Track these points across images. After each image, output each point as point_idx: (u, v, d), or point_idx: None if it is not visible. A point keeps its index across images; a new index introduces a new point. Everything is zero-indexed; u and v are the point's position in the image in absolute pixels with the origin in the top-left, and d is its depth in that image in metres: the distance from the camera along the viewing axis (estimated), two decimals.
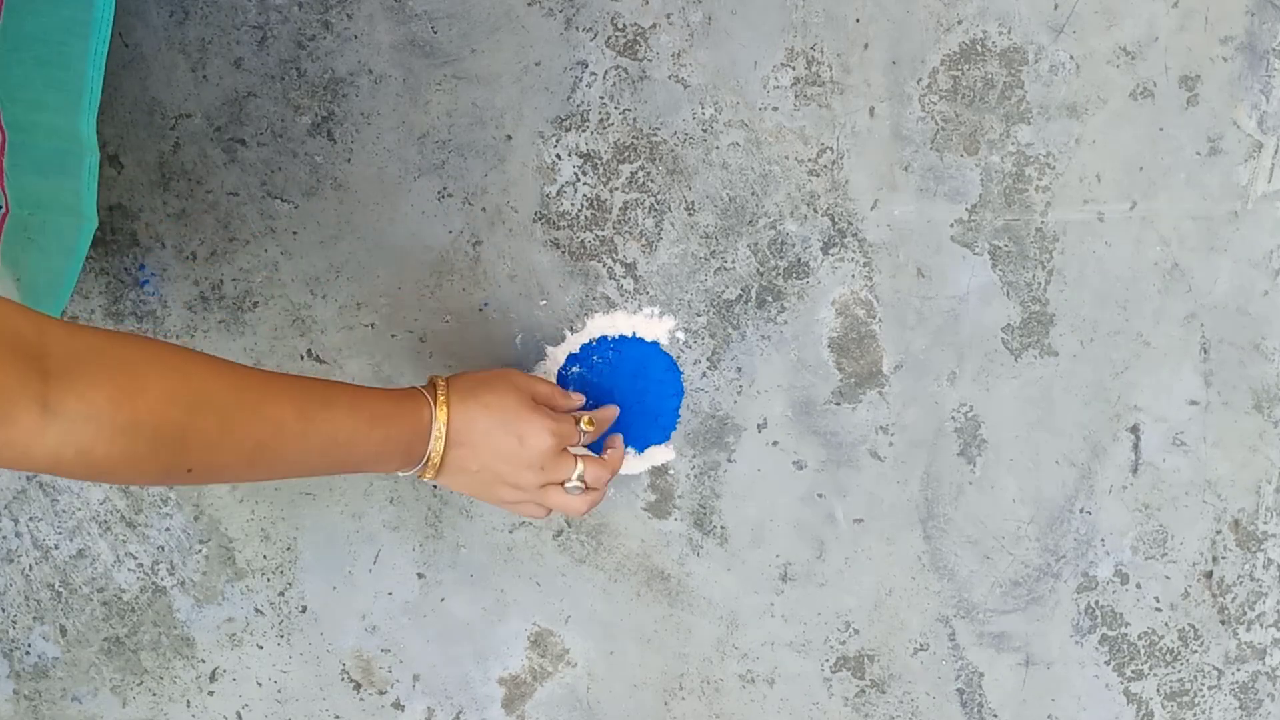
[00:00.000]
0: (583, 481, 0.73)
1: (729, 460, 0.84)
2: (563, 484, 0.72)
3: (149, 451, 0.52)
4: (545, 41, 0.79)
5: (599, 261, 0.82)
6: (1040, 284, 0.80)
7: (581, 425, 0.74)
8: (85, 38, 0.67)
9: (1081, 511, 0.83)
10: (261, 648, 0.90)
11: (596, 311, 0.83)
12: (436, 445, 0.67)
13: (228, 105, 0.82)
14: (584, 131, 0.81)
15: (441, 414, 0.67)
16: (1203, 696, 0.85)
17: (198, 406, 0.54)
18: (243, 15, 0.80)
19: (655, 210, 0.81)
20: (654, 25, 0.79)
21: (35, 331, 0.49)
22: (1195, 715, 0.85)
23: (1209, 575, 0.84)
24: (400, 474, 0.69)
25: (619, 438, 0.80)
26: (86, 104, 0.68)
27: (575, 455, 0.72)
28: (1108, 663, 0.85)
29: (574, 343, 0.83)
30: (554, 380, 0.84)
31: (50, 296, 0.73)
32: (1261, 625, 0.84)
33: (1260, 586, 0.84)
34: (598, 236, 0.82)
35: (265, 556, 0.88)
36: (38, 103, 0.68)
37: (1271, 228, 0.79)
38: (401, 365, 0.84)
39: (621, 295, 0.82)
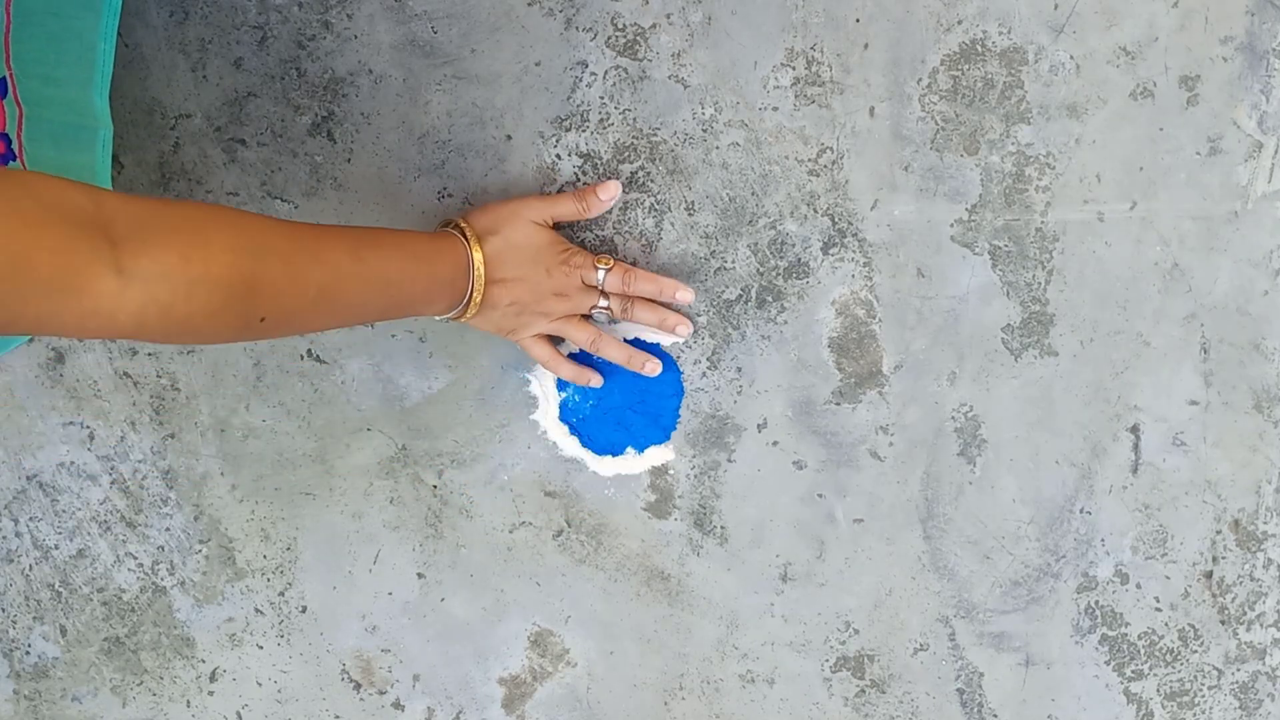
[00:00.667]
0: (609, 309, 0.78)
1: (729, 460, 0.84)
2: (588, 315, 0.78)
3: (224, 301, 0.53)
4: (545, 41, 0.79)
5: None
6: (1040, 284, 0.80)
7: (598, 264, 0.78)
8: (96, 12, 0.69)
9: (1081, 511, 0.83)
10: (261, 648, 0.90)
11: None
12: (477, 282, 0.71)
13: (228, 105, 0.82)
14: (584, 131, 0.81)
15: (477, 252, 0.72)
16: (1203, 696, 0.85)
17: (261, 254, 0.56)
18: (243, 15, 0.80)
19: (655, 210, 0.81)
20: (654, 25, 0.79)
21: (93, 203, 0.50)
22: (1195, 715, 0.85)
23: (1209, 575, 0.84)
24: (440, 317, 0.73)
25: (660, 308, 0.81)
26: (99, 77, 0.70)
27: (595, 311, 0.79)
28: (1108, 663, 0.85)
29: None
30: (554, 379, 0.84)
31: None
32: (1261, 625, 0.84)
33: (1260, 586, 0.84)
34: (598, 236, 0.82)
35: (265, 556, 0.88)
36: (51, 77, 0.69)
37: (1271, 228, 0.79)
38: (402, 365, 0.85)
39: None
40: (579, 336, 0.78)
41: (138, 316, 0.50)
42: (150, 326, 0.51)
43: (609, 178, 0.80)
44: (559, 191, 0.80)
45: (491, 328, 0.75)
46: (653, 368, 0.80)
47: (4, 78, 0.66)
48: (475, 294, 0.72)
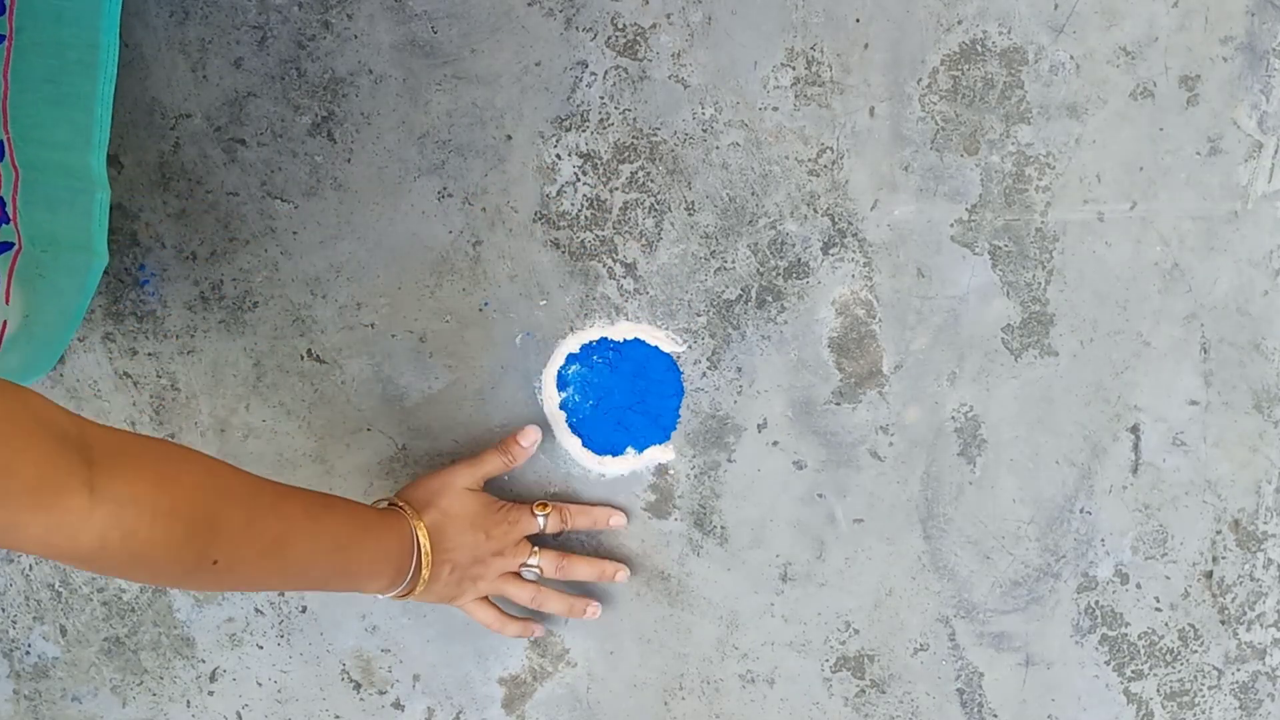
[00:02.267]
0: (539, 568, 0.81)
1: (729, 460, 0.84)
2: (519, 571, 0.81)
3: (184, 536, 0.55)
4: (545, 41, 0.79)
5: (599, 261, 0.82)
6: (1040, 284, 0.80)
7: (536, 511, 0.81)
8: (93, 79, 0.70)
9: (1081, 511, 0.83)
10: (261, 648, 0.90)
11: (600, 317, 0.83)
12: (425, 559, 0.73)
13: (228, 105, 0.82)
14: (584, 131, 0.81)
15: (420, 529, 0.73)
16: (1203, 696, 0.85)
17: (225, 497, 0.59)
18: (243, 15, 0.80)
19: (655, 210, 0.81)
20: (654, 25, 0.79)
21: (75, 426, 0.52)
22: (1195, 715, 0.85)
23: (1209, 575, 0.84)
24: (381, 595, 0.73)
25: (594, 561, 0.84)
26: (96, 142, 0.71)
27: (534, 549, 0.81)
28: (1108, 663, 0.85)
29: (574, 342, 0.83)
30: (554, 379, 0.84)
31: (58, 331, 0.74)
32: (1261, 625, 0.84)
33: (1260, 586, 0.84)
34: (598, 236, 0.82)
35: None
36: (49, 141, 0.70)
37: (1271, 228, 0.79)
38: (401, 365, 0.85)
39: (621, 295, 0.82)
40: (520, 595, 0.80)
41: (100, 539, 0.51)
42: (110, 551, 0.52)
43: (528, 424, 0.82)
44: (482, 452, 0.81)
45: (434, 598, 0.77)
46: (593, 611, 0.83)
47: (1, 141, 0.67)
48: (424, 570, 0.73)
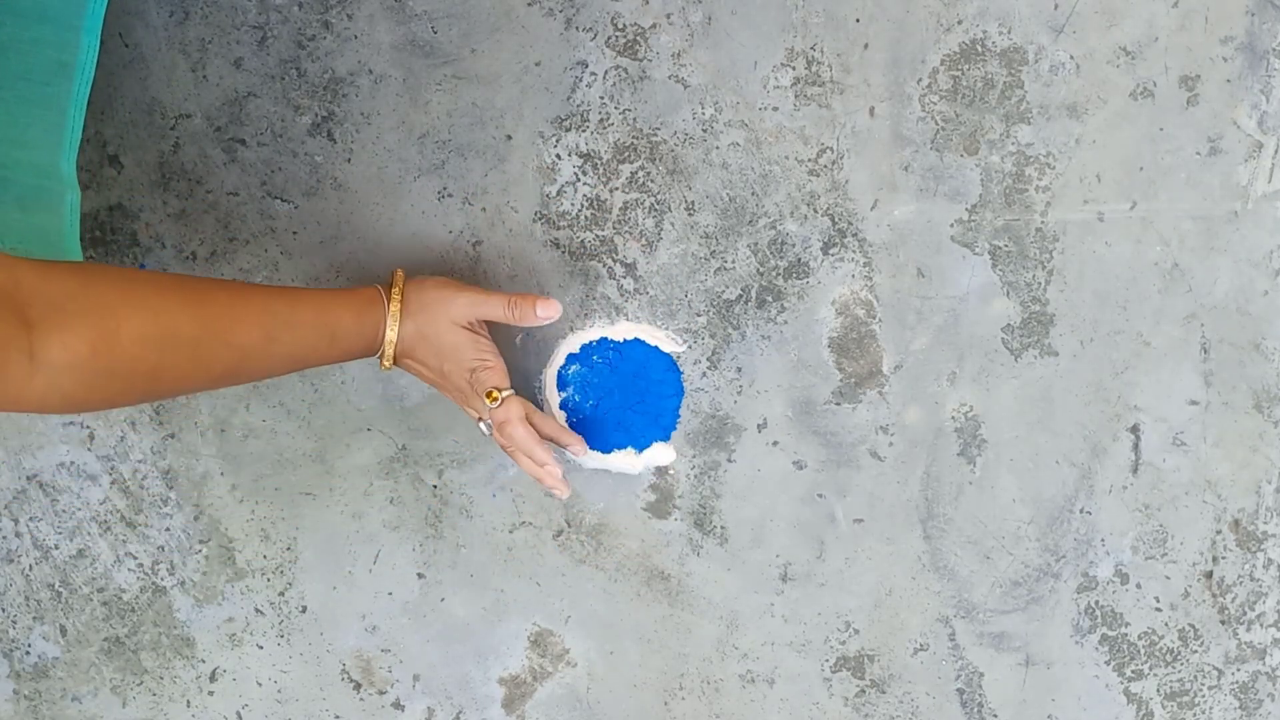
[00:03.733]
0: (488, 428, 0.77)
1: (729, 460, 0.84)
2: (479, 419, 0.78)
3: (124, 388, 0.56)
4: (545, 41, 0.79)
5: (599, 261, 0.82)
6: (1040, 284, 0.80)
7: (488, 400, 0.76)
8: (69, 80, 0.70)
9: (1081, 511, 0.83)
10: (261, 648, 0.90)
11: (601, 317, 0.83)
12: (388, 350, 0.73)
13: (228, 105, 0.82)
14: (584, 131, 0.81)
15: (391, 331, 0.73)
16: (1203, 696, 0.85)
17: (169, 344, 0.58)
18: (243, 15, 0.80)
19: (655, 210, 0.81)
20: (654, 25, 0.79)
21: (11, 281, 0.52)
22: (1195, 715, 0.85)
23: (1209, 575, 0.84)
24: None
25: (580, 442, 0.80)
26: (68, 143, 0.71)
27: (504, 398, 0.76)
28: (1108, 663, 0.85)
29: (574, 342, 0.83)
30: (554, 379, 0.84)
31: None
32: (1261, 625, 0.84)
33: (1260, 586, 0.84)
34: (598, 236, 0.82)
35: (265, 556, 0.88)
36: (20, 140, 0.70)
37: (1271, 228, 0.79)
38: None
39: (621, 295, 0.82)
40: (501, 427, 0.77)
41: (40, 401, 0.53)
42: (50, 408, 0.54)
43: (549, 296, 0.79)
44: (496, 291, 0.77)
45: (428, 383, 0.77)
46: (558, 483, 0.77)
47: None
48: (385, 359, 0.73)
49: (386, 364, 0.74)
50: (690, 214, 0.81)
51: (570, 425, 0.84)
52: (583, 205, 0.82)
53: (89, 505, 0.88)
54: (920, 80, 0.78)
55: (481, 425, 0.78)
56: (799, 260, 0.81)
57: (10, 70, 0.68)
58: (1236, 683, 0.85)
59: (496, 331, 0.84)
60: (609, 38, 0.79)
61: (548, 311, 0.76)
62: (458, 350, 0.75)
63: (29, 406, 0.53)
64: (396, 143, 0.81)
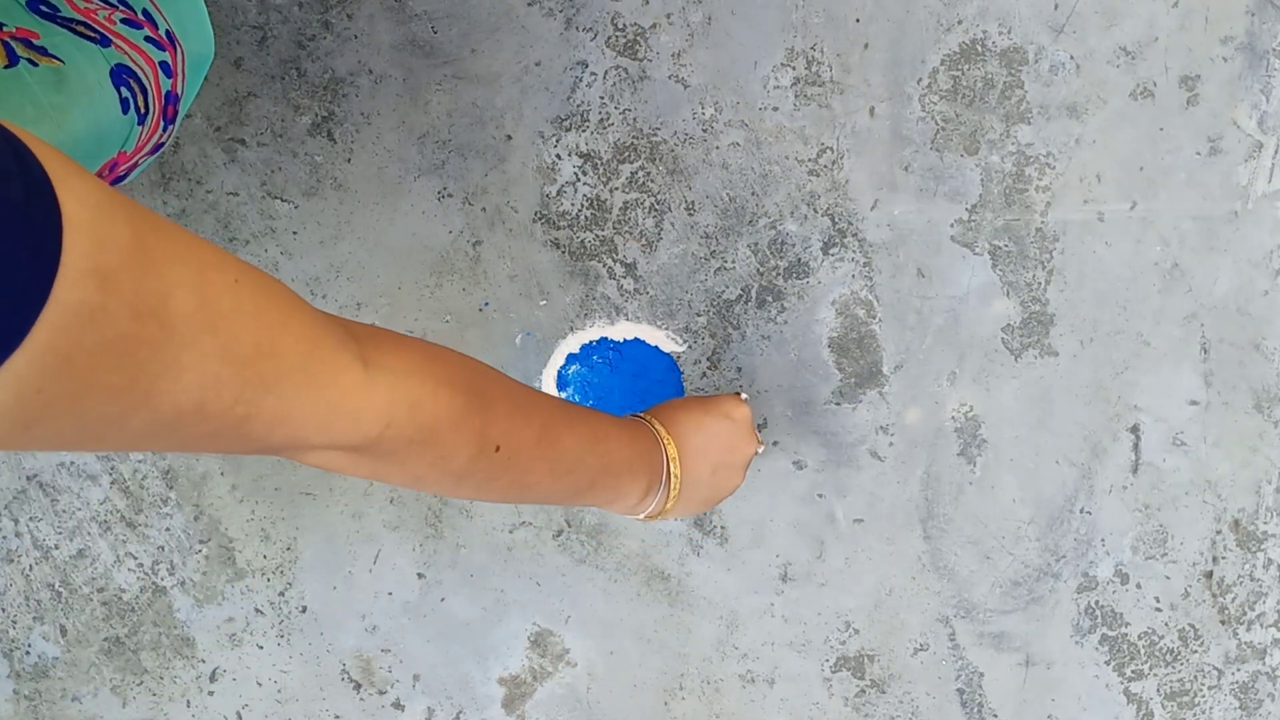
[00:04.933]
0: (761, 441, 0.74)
1: None
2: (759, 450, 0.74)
3: (464, 408, 0.51)
4: (545, 41, 0.79)
5: (599, 261, 0.82)
6: (1040, 284, 0.80)
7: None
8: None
9: (1081, 511, 0.83)
10: (261, 648, 0.90)
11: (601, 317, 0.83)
12: (670, 451, 0.67)
13: (228, 105, 0.82)
14: (584, 131, 0.81)
15: (659, 425, 0.68)
16: (1203, 696, 0.85)
17: (489, 376, 0.55)
18: (243, 15, 0.80)
19: (655, 210, 0.81)
20: (654, 25, 0.79)
21: (326, 315, 0.47)
22: (1195, 715, 0.85)
23: (1209, 575, 0.84)
24: (644, 512, 0.68)
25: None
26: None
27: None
28: (1108, 663, 0.85)
29: (574, 342, 0.83)
30: (554, 379, 0.84)
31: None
32: (1261, 625, 0.84)
33: (1260, 586, 0.84)
34: (598, 236, 0.82)
35: (265, 556, 0.88)
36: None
37: (1271, 228, 0.79)
38: None
39: (621, 295, 0.82)
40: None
41: (386, 414, 0.46)
42: (397, 428, 0.47)
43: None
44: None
45: (700, 504, 0.70)
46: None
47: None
48: (672, 465, 0.67)
49: (674, 465, 0.67)
50: (690, 214, 0.81)
51: None
52: (583, 205, 0.82)
53: (89, 505, 0.88)
54: (920, 80, 0.78)
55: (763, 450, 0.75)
56: (799, 260, 0.81)
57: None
58: (1236, 683, 0.85)
59: (495, 332, 0.84)
60: (609, 38, 0.79)
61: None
62: (722, 403, 0.72)
63: (372, 423, 0.46)
64: (396, 143, 0.81)
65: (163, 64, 0.63)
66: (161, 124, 0.65)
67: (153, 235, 0.36)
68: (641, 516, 0.68)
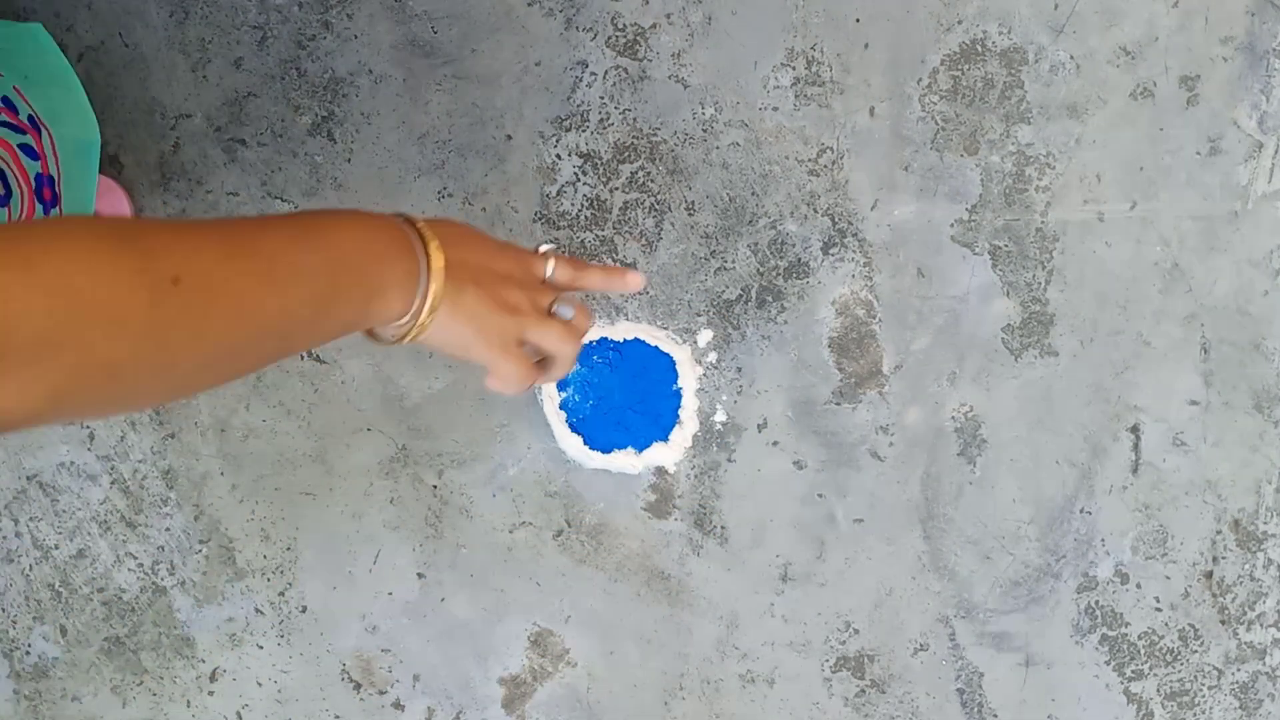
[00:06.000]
0: (571, 309, 0.61)
1: (729, 460, 0.84)
2: (550, 310, 0.61)
3: (93, 252, 0.38)
4: (545, 41, 0.79)
5: (599, 261, 0.82)
6: (1040, 284, 0.80)
7: (541, 249, 0.61)
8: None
9: (1081, 511, 0.83)
10: (261, 648, 0.90)
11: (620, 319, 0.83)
12: (436, 255, 0.55)
13: (228, 105, 0.82)
14: (584, 131, 0.81)
15: (425, 227, 0.57)
16: (1203, 696, 0.85)
17: (142, 223, 0.43)
18: (243, 15, 0.80)
19: (655, 210, 0.81)
20: (654, 25, 0.79)
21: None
22: (1195, 715, 0.85)
23: (1209, 575, 0.84)
24: (392, 332, 0.55)
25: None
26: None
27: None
28: (1108, 663, 0.85)
29: None
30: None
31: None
32: (1261, 625, 0.84)
33: (1260, 586, 0.84)
34: (598, 236, 0.82)
35: (265, 556, 0.88)
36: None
37: (1271, 228, 0.79)
38: (401, 365, 0.85)
39: (622, 295, 0.82)
40: (552, 337, 0.60)
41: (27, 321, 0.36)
42: (58, 329, 0.37)
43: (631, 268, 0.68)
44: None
45: (459, 333, 0.56)
46: (634, 280, 0.62)
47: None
48: (436, 258, 0.55)
49: (438, 263, 0.55)
50: (690, 214, 0.81)
51: (570, 425, 0.84)
52: (583, 205, 0.82)
53: (89, 505, 0.88)
54: (920, 80, 0.78)
55: (560, 308, 0.60)
56: (799, 260, 0.81)
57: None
58: (1236, 683, 0.85)
59: None
60: (609, 38, 0.79)
61: (633, 282, 0.61)
62: (495, 243, 0.60)
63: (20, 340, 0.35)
64: (396, 143, 0.81)
65: (23, 146, 0.63)
66: (38, 206, 0.64)
67: None
68: (398, 326, 0.54)
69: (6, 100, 0.64)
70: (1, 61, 0.66)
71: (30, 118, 0.65)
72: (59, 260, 0.37)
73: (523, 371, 0.59)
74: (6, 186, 0.62)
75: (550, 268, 0.62)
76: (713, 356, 0.82)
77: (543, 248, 0.62)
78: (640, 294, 0.82)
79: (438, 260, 0.55)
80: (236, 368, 0.46)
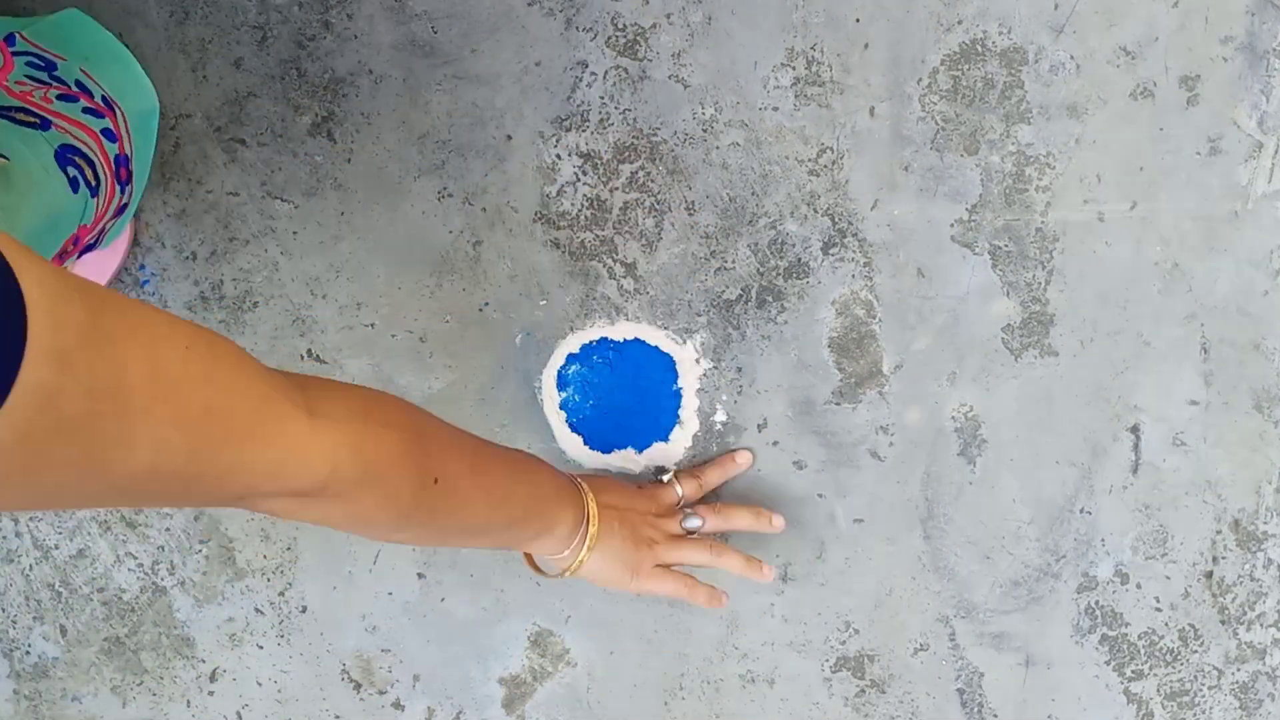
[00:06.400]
0: (701, 519, 0.79)
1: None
2: (685, 532, 0.78)
3: (404, 447, 0.53)
4: (545, 41, 0.79)
5: (599, 261, 0.82)
6: (1040, 284, 0.80)
7: (665, 479, 0.81)
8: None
9: (1081, 511, 0.83)
10: (261, 648, 0.90)
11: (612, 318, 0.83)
12: (591, 504, 0.71)
13: (228, 105, 0.82)
14: (584, 131, 0.81)
15: (583, 485, 0.73)
16: (1203, 696, 0.85)
17: (422, 415, 0.59)
18: (243, 15, 0.80)
19: (655, 210, 0.81)
20: (654, 25, 0.79)
21: (274, 371, 0.50)
22: (1195, 715, 0.85)
23: (1209, 575, 0.84)
24: (557, 564, 0.72)
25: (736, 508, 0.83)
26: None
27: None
28: (1108, 663, 0.85)
29: (574, 342, 0.83)
30: (554, 379, 0.84)
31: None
32: (1261, 625, 0.84)
33: (1260, 586, 0.84)
34: (598, 236, 0.82)
35: (265, 556, 0.88)
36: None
37: (1271, 228, 0.79)
38: (401, 365, 0.85)
39: (621, 295, 0.82)
40: (698, 555, 0.77)
41: (331, 456, 0.49)
42: (343, 467, 0.49)
43: (741, 448, 0.84)
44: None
45: (612, 564, 0.73)
46: (769, 572, 0.80)
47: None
48: (591, 518, 0.71)
49: (592, 517, 0.71)
50: (690, 214, 0.81)
51: (570, 425, 0.84)
52: (583, 205, 0.82)
53: None
54: (920, 80, 0.78)
55: (689, 518, 0.79)
56: (799, 260, 0.81)
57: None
58: (1236, 683, 0.85)
59: (495, 332, 0.84)
60: (609, 38, 0.79)
61: (744, 460, 0.83)
62: (632, 487, 0.77)
63: (319, 467, 0.48)
64: (396, 143, 0.81)
65: (105, 131, 0.64)
66: (117, 188, 0.65)
67: (106, 313, 0.37)
68: (560, 560, 0.71)
69: (80, 84, 0.64)
70: (61, 47, 0.66)
71: (104, 98, 0.65)
72: (375, 446, 0.51)
73: (669, 588, 0.77)
74: (96, 176, 0.62)
75: (679, 490, 0.80)
76: (705, 364, 0.82)
77: (665, 477, 0.80)
78: (640, 294, 0.82)
79: (593, 507, 0.71)
80: (441, 544, 0.67)
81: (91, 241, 0.65)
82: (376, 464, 0.51)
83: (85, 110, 0.63)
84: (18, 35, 0.64)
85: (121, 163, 0.66)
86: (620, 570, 0.73)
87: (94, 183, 0.62)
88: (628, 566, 0.73)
